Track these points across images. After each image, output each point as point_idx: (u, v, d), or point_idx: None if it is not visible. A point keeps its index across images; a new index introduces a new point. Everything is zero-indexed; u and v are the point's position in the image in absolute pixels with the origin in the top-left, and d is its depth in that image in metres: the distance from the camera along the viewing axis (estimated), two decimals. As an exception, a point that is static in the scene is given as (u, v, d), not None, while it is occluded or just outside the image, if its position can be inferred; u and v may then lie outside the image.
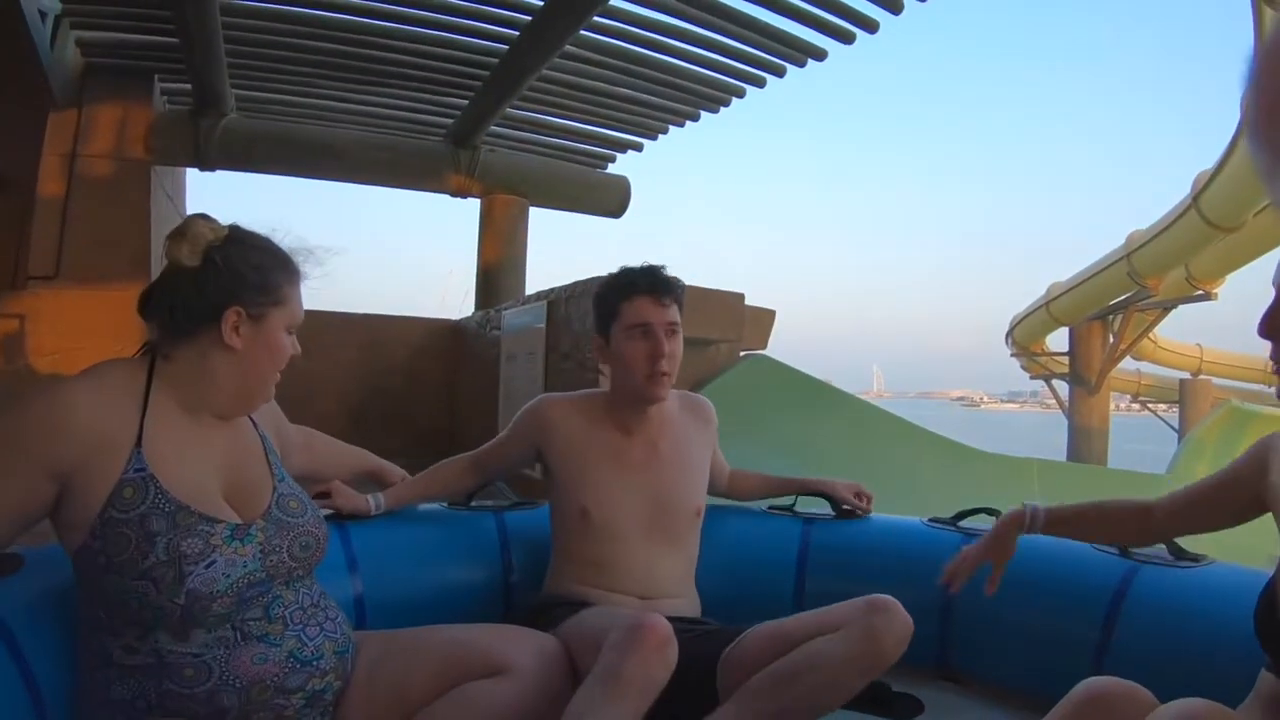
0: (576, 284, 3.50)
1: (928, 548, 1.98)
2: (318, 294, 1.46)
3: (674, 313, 1.87)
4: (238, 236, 1.35)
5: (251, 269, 1.33)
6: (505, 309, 4.60)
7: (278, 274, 1.36)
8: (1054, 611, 1.82)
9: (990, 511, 1.96)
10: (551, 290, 3.81)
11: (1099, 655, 1.69)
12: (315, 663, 1.33)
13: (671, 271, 1.91)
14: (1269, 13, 7.24)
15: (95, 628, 1.26)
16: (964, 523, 2.06)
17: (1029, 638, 1.84)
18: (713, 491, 2.07)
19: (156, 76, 5.81)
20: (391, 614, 1.76)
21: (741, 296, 3.69)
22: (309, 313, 1.44)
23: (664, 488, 1.88)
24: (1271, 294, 0.99)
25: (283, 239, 1.41)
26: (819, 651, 1.50)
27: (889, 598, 1.52)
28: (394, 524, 1.97)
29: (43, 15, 4.89)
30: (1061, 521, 1.60)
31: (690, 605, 1.89)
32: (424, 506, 2.05)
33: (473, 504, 2.09)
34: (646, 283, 1.87)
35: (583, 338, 3.37)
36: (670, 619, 1.70)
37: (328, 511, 1.77)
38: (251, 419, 1.47)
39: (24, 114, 5.63)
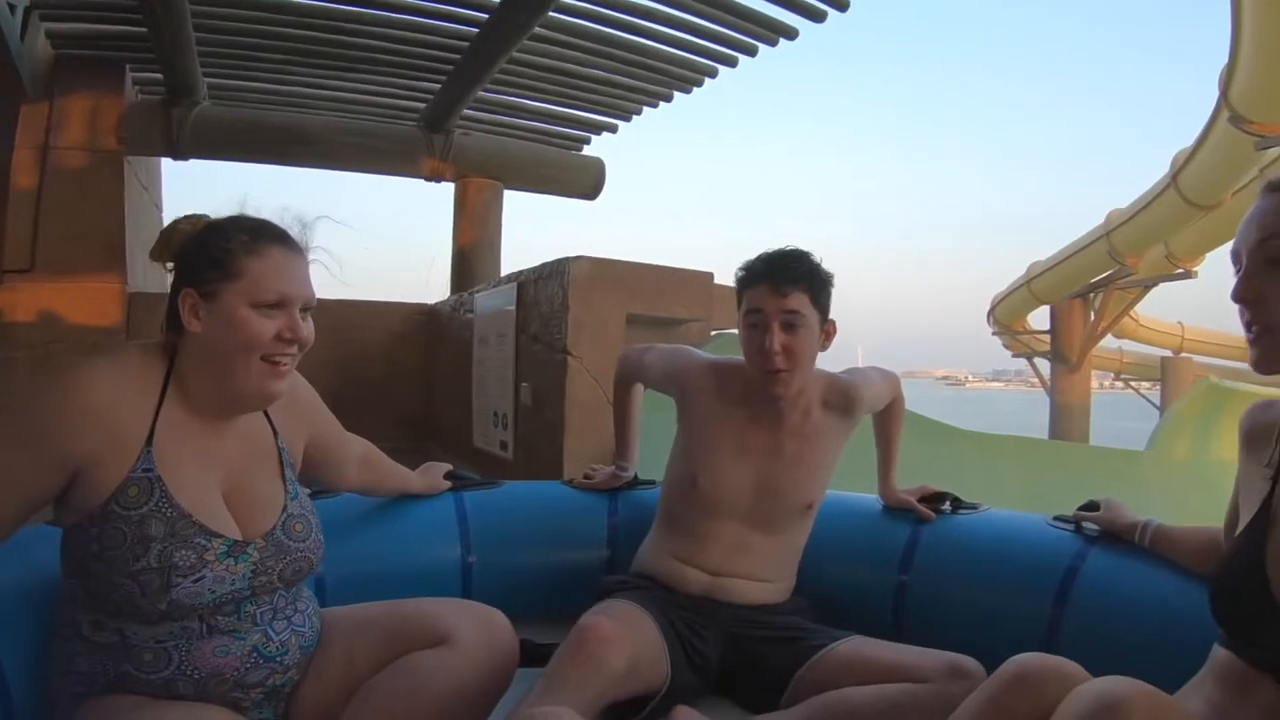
0: (545, 265, 3.51)
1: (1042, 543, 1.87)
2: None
3: (794, 301, 1.77)
4: (210, 225, 1.31)
5: (199, 248, 1.27)
6: (477, 292, 4.60)
7: (230, 247, 1.26)
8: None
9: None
10: (521, 272, 3.81)
11: None
12: (279, 659, 1.31)
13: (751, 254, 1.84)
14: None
15: (71, 599, 1.26)
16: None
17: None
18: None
19: (128, 67, 5.78)
20: (351, 591, 1.76)
21: (711, 276, 3.70)
22: None
23: (777, 480, 1.87)
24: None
25: (281, 218, 1.35)
26: (895, 702, 1.49)
27: (972, 661, 1.49)
28: (357, 503, 2.01)
29: (11, 8, 4.86)
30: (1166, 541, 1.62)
31: (774, 591, 1.89)
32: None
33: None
34: (763, 269, 1.80)
35: (551, 320, 3.38)
36: (745, 605, 1.83)
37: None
38: (275, 430, 1.43)
39: (-4, 107, 5.62)
